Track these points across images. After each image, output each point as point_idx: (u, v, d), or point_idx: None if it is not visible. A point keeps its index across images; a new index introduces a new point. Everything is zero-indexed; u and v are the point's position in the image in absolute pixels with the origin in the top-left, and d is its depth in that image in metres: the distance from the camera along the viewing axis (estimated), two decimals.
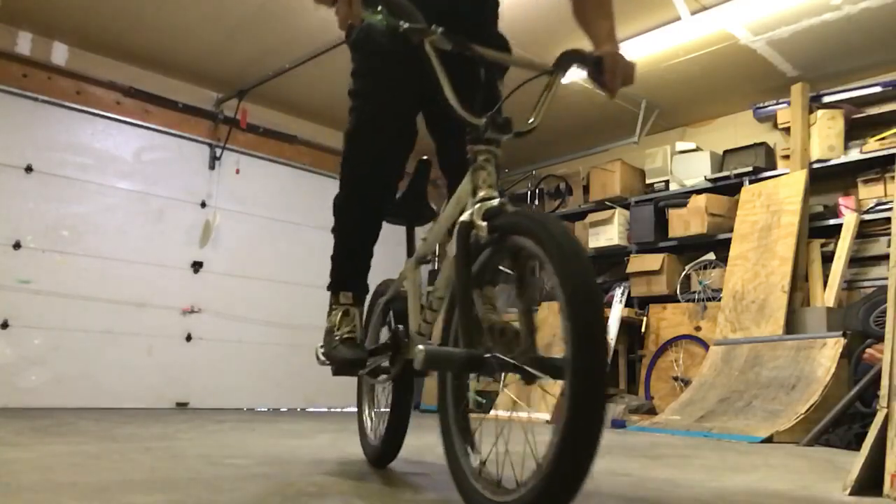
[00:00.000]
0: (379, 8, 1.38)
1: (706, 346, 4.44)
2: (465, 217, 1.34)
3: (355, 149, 1.76)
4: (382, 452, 1.94)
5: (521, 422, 1.41)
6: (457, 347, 1.33)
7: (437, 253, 5.77)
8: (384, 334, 1.99)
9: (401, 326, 1.82)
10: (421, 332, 1.67)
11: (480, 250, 1.34)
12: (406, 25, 1.37)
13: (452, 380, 1.39)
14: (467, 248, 1.33)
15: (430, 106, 1.72)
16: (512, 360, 1.22)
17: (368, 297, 1.96)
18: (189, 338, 5.07)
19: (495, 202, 1.32)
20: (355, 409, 2.23)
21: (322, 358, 1.80)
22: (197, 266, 5.19)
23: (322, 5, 1.40)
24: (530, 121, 1.53)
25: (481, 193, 1.36)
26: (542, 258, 1.15)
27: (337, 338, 1.75)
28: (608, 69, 1.55)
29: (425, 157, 1.91)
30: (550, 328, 5.17)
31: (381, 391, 2.08)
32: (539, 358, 1.20)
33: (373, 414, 2.16)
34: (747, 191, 4.72)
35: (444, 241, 1.61)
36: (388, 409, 1.99)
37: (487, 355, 1.26)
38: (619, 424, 4.15)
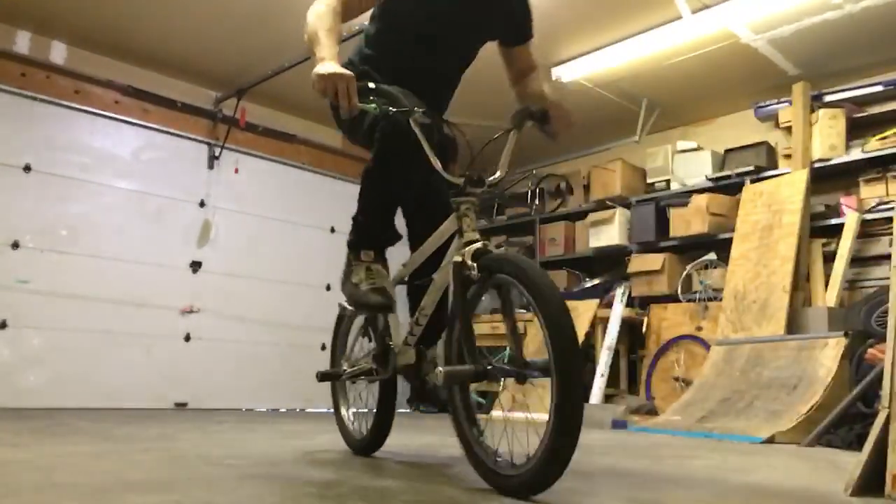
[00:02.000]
0: (371, 98, 1.68)
1: (707, 346, 4.43)
2: (458, 258, 1.67)
3: (391, 127, 1.84)
4: (371, 443, 2.27)
5: (521, 420, 1.72)
6: (462, 363, 1.66)
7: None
8: (365, 346, 2.35)
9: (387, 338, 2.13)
10: (408, 342, 1.99)
11: (470, 284, 1.66)
12: (394, 110, 1.71)
13: (460, 389, 1.72)
14: (464, 284, 1.65)
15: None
16: (508, 367, 1.57)
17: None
18: (188, 338, 5.06)
19: (480, 245, 1.66)
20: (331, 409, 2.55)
21: (351, 306, 2.07)
22: (196, 266, 5.18)
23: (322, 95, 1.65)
24: (497, 174, 1.86)
25: (467, 237, 1.70)
26: (522, 291, 1.51)
27: (366, 288, 1.92)
28: (554, 118, 1.92)
29: None
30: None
31: (366, 392, 2.40)
32: (527, 362, 1.56)
33: (350, 413, 2.49)
34: (748, 190, 4.72)
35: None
36: (368, 408, 2.34)
37: (490, 367, 1.60)
38: (620, 425, 4.13)
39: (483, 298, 1.73)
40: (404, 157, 1.85)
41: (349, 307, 2.19)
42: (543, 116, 1.92)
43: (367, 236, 2.00)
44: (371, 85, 1.70)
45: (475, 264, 1.62)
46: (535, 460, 1.43)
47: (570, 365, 1.39)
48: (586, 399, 4.72)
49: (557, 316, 1.43)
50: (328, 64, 1.67)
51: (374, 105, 1.69)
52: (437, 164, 1.75)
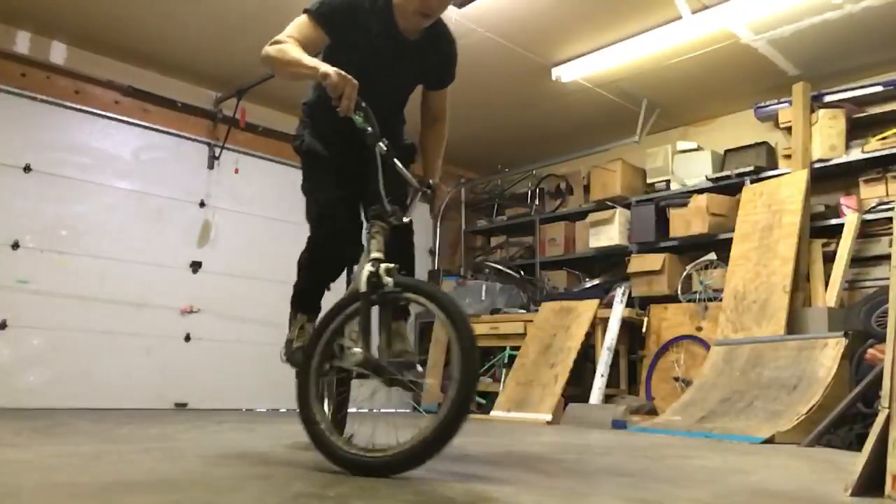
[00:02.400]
0: (359, 112, 1.93)
1: (707, 346, 4.43)
2: (371, 268, 1.90)
3: (317, 228, 2.33)
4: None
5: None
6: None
7: None
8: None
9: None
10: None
11: (386, 295, 1.89)
12: (370, 130, 1.97)
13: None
14: (373, 292, 1.89)
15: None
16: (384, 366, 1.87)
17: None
18: (188, 338, 5.06)
19: (391, 265, 1.90)
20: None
21: (284, 360, 2.37)
22: (196, 266, 5.18)
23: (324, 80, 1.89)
24: (406, 219, 2.12)
25: (374, 255, 1.94)
26: (431, 308, 1.79)
27: (295, 346, 2.30)
28: (436, 196, 2.28)
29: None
30: (552, 327, 5.16)
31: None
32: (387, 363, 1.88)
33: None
34: (748, 190, 4.71)
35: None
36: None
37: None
38: (619, 425, 4.13)
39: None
40: (335, 244, 2.27)
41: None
42: (432, 191, 2.28)
43: (304, 301, 2.41)
44: (364, 104, 1.94)
45: (391, 279, 1.87)
46: (413, 442, 1.67)
47: (472, 370, 1.70)
48: (586, 399, 4.72)
49: (467, 335, 1.71)
50: (335, 68, 1.88)
51: (359, 118, 1.95)
52: (383, 189, 2.00)
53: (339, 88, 1.87)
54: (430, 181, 2.28)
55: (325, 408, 1.99)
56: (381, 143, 1.98)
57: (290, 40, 2.06)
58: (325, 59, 2.09)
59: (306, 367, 2.02)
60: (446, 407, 1.65)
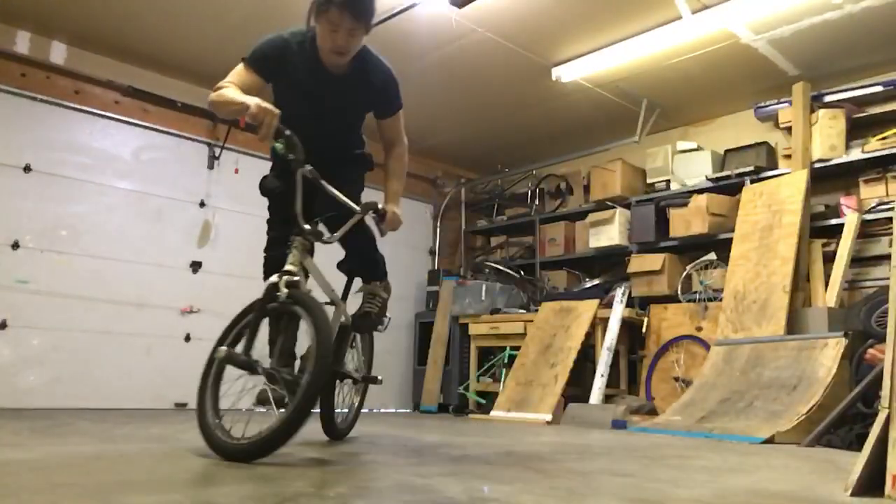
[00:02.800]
0: (280, 140, 2.17)
1: (707, 346, 4.43)
2: (275, 279, 2.17)
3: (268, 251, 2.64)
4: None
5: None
6: (247, 355, 2.27)
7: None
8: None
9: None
10: None
11: (278, 304, 2.15)
12: (292, 157, 2.22)
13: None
14: (270, 299, 2.16)
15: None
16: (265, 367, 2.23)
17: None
18: (188, 338, 5.06)
19: (294, 278, 2.17)
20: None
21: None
22: (196, 266, 5.18)
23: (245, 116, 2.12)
24: (335, 235, 2.41)
25: (287, 267, 2.20)
26: (305, 318, 2.08)
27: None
28: (388, 221, 2.48)
29: None
30: (552, 327, 5.16)
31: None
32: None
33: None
34: (748, 190, 4.71)
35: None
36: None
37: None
38: (619, 425, 4.13)
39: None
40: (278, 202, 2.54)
41: None
42: (382, 217, 2.47)
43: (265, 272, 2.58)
44: (287, 132, 2.17)
45: (286, 290, 2.13)
46: (269, 430, 1.93)
47: (323, 366, 1.96)
48: (586, 399, 4.72)
49: (325, 343, 2.00)
50: (258, 100, 2.12)
51: (280, 145, 2.19)
52: (300, 210, 2.26)
53: (258, 118, 2.08)
54: (380, 205, 2.46)
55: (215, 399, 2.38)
56: (302, 169, 2.25)
57: (230, 84, 2.26)
58: (275, 99, 2.37)
59: (209, 360, 2.43)
60: (291, 406, 1.95)
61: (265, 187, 2.56)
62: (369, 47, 2.45)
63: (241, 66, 2.34)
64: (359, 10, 2.23)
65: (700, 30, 4.13)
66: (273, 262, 2.49)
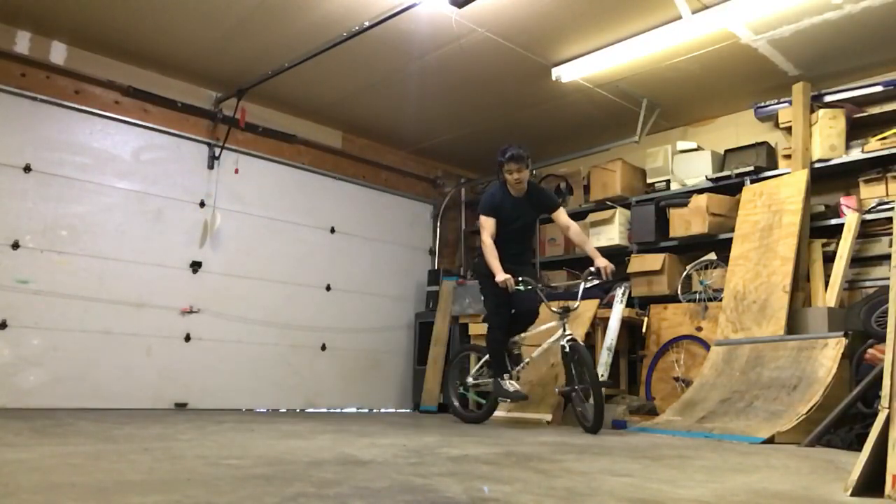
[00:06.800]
0: (519, 285, 3.88)
1: (707, 346, 4.43)
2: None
3: (493, 317, 4.24)
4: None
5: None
6: None
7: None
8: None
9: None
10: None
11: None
12: (529, 287, 3.93)
13: None
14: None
15: None
16: None
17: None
18: (188, 338, 5.06)
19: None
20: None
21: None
22: (196, 266, 5.18)
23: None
24: (576, 306, 4.22)
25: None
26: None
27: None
28: (608, 272, 4.03)
29: None
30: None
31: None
32: None
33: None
34: (748, 190, 4.71)
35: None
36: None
37: None
38: (619, 425, 4.13)
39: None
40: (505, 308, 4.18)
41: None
42: (598, 272, 3.98)
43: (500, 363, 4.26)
44: (521, 279, 3.92)
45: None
46: None
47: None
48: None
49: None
50: (504, 275, 3.87)
51: (521, 288, 3.88)
52: (546, 303, 4.10)
53: (504, 284, 3.85)
54: (595, 262, 3.97)
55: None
56: (523, 286, 3.92)
57: (489, 239, 4.02)
58: (497, 228, 4.08)
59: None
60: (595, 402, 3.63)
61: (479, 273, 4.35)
62: (532, 181, 4.23)
63: (485, 218, 4.06)
64: (520, 159, 4.03)
65: (700, 30, 4.13)
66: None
